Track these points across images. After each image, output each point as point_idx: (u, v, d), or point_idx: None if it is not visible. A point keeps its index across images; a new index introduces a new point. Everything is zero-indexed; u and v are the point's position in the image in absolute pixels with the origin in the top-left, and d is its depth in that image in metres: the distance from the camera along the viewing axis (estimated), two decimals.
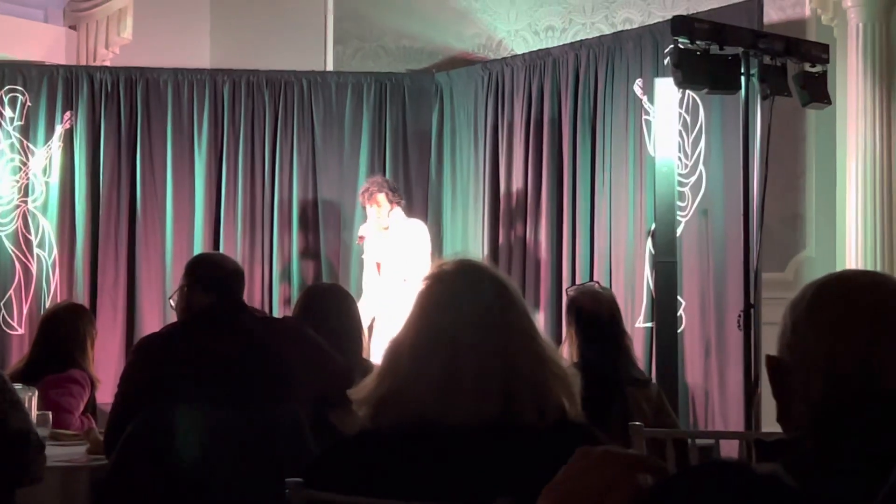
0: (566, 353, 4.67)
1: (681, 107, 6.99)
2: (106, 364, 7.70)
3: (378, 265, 7.70)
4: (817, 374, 1.64)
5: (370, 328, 7.57)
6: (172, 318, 4.24)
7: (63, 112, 8.43)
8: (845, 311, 1.66)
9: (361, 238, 7.69)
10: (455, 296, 2.22)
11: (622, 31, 7.94)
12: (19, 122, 8.36)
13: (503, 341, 2.18)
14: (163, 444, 3.69)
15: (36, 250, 8.31)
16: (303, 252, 8.68)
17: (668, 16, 6.57)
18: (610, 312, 4.76)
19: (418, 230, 7.64)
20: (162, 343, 4.02)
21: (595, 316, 4.67)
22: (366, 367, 4.22)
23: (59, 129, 8.41)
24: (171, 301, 4.29)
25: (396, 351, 2.23)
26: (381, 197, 7.60)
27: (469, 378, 2.14)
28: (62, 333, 5.38)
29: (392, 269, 7.55)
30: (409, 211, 7.99)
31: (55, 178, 8.39)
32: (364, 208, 7.75)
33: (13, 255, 8.28)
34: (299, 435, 3.74)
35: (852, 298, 1.68)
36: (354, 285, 8.24)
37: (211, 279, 4.05)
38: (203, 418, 3.70)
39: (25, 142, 8.36)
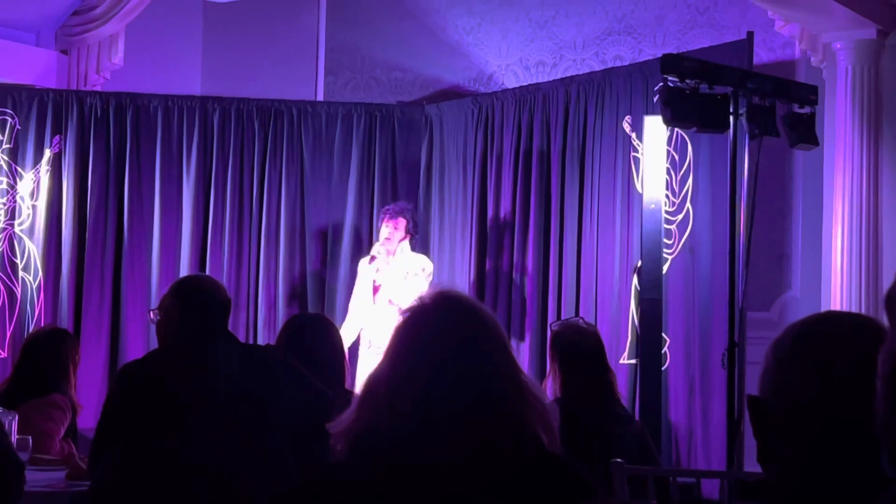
0: (550, 388, 4.66)
1: (669, 144, 7.01)
2: (89, 389, 7.68)
3: (375, 289, 7.65)
4: (801, 416, 1.64)
5: (353, 349, 7.55)
6: (156, 343, 4.21)
7: (52, 136, 8.42)
8: (829, 353, 1.66)
9: (373, 258, 7.65)
10: (433, 330, 2.20)
11: (612, 67, 7.98)
12: (8, 145, 8.35)
13: (480, 376, 2.17)
14: (142, 471, 3.68)
15: (21, 273, 8.28)
16: (288, 278, 8.67)
17: (659, 54, 6.61)
18: (594, 348, 4.74)
19: (423, 264, 7.61)
20: (145, 369, 4.00)
21: (579, 352, 4.66)
22: (347, 397, 4.21)
23: (47, 153, 8.40)
24: (152, 314, 4.26)
25: (373, 385, 2.21)
26: (401, 222, 7.59)
27: (445, 414, 2.12)
28: (44, 358, 5.36)
29: (387, 297, 7.51)
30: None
31: (42, 202, 8.37)
32: (380, 227, 7.72)
33: None
34: (280, 464, 3.73)
35: (836, 340, 1.68)
36: (340, 312, 8.23)
37: (200, 305, 4.03)
38: (184, 446, 3.68)
39: (13, 164, 8.35)
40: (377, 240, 7.76)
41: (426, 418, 2.11)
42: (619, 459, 3.95)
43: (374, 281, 7.64)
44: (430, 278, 7.56)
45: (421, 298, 2.26)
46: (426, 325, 2.21)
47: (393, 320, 7.15)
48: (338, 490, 2.15)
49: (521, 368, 2.27)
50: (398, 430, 2.12)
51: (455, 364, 2.15)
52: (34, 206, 8.36)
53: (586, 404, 4.51)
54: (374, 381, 2.21)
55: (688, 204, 7.07)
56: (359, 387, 5.79)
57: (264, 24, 9.50)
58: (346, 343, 7.55)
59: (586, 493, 2.15)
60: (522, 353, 7.77)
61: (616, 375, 4.99)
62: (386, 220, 7.62)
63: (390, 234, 7.57)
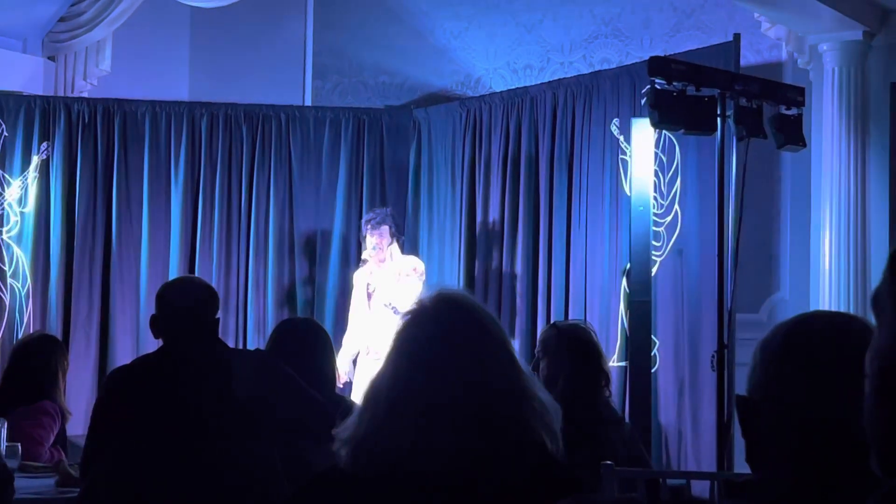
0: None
1: (657, 147, 7.02)
2: (78, 395, 7.66)
3: (369, 295, 7.63)
4: (790, 415, 1.65)
5: (355, 361, 7.55)
6: (145, 349, 4.21)
7: (40, 142, 8.41)
8: (817, 353, 1.67)
9: (364, 261, 7.64)
10: (432, 334, 2.19)
11: (600, 70, 7.99)
12: None
13: (481, 381, 2.15)
14: (131, 477, 3.67)
15: (10, 280, 8.26)
16: (278, 283, 8.66)
17: (646, 56, 6.61)
18: (600, 349, 4.76)
19: (414, 264, 7.60)
20: (133, 375, 4.00)
21: (593, 351, 4.66)
22: (338, 402, 4.21)
23: (35, 160, 8.38)
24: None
25: (375, 391, 2.19)
26: (385, 229, 7.56)
27: (446, 420, 2.10)
28: (33, 365, 5.35)
29: (382, 302, 7.49)
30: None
31: (30, 209, 8.35)
32: (364, 237, 7.68)
33: None
34: (270, 470, 3.73)
35: (824, 340, 1.68)
36: (329, 317, 8.23)
37: (181, 309, 4.00)
38: (173, 451, 3.68)
39: (1, 171, 8.33)
40: (364, 248, 7.72)
41: (427, 424, 2.10)
42: (608, 462, 3.95)
43: (368, 286, 7.63)
44: (423, 278, 7.56)
45: (421, 301, 2.25)
46: (425, 330, 2.19)
47: (390, 324, 7.17)
48: (340, 495, 2.14)
49: (522, 368, 2.25)
50: (399, 436, 2.10)
51: (455, 369, 2.14)
52: (22, 213, 8.35)
53: (582, 405, 4.51)
54: (375, 387, 2.19)
55: (676, 206, 7.08)
56: (358, 394, 5.81)
57: (251, 30, 9.49)
58: (353, 353, 7.58)
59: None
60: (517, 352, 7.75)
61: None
62: (370, 230, 7.57)
63: (378, 244, 7.55)
